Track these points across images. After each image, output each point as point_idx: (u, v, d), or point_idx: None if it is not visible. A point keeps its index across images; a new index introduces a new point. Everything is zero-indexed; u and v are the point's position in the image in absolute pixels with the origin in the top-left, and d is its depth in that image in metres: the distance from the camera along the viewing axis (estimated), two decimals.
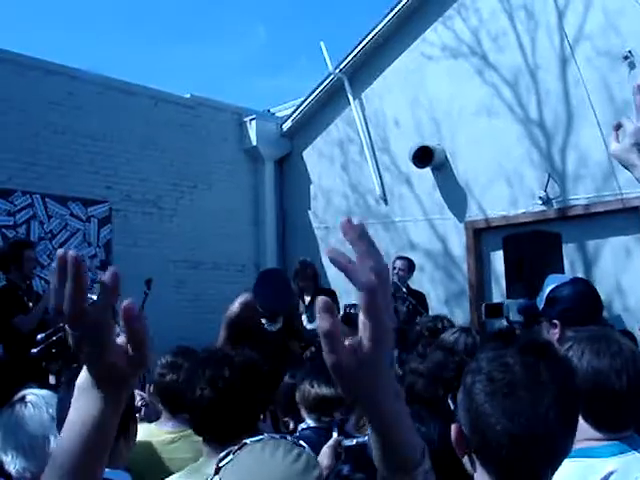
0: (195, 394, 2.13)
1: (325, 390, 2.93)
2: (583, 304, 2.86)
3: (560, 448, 1.41)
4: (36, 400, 2.44)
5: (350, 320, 3.41)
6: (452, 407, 2.19)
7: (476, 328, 3.66)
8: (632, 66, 7.85)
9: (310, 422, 2.93)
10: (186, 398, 2.22)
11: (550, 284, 2.97)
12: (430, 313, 7.54)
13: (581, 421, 1.96)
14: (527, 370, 1.38)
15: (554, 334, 2.85)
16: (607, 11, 8.06)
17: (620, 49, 7.91)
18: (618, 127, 2.13)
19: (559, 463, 1.42)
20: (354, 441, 2.46)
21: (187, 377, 2.22)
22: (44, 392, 2.50)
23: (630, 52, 7.82)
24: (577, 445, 1.87)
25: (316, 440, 2.63)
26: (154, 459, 2.95)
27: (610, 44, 8.02)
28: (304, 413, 2.99)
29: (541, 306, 2.97)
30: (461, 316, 8.89)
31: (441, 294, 9.25)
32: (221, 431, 2.16)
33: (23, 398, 2.48)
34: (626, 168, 1.95)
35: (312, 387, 2.95)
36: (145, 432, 3.04)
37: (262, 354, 5.40)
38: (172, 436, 3.00)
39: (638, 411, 2.00)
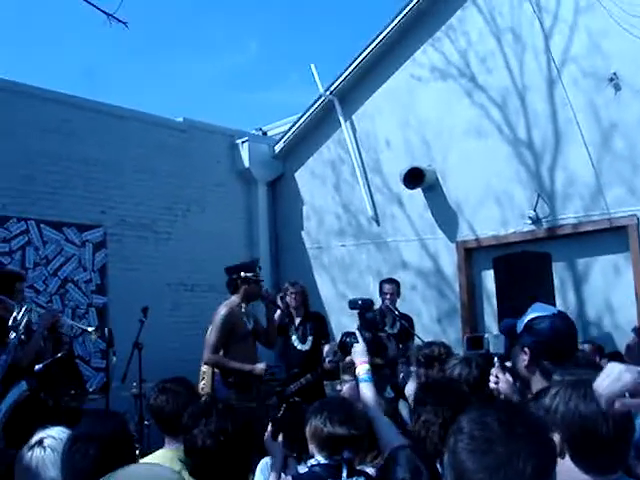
0: (197, 443, 2.20)
1: (339, 430, 2.91)
2: (557, 341, 2.97)
3: None
4: (55, 445, 2.47)
5: (345, 349, 3.50)
6: (440, 470, 2.28)
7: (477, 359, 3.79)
8: (617, 88, 7.98)
9: (320, 459, 2.92)
10: (185, 444, 2.30)
11: (533, 312, 3.07)
12: (420, 332, 7.65)
13: (570, 463, 2.04)
14: (503, 426, 1.51)
15: (522, 360, 2.98)
16: (591, 33, 8.21)
17: (605, 71, 8.05)
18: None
19: None
20: None
21: (188, 423, 2.30)
22: (62, 434, 2.52)
23: (615, 74, 7.95)
24: None
25: (326, 478, 2.71)
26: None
27: (595, 66, 8.16)
28: (313, 449, 2.97)
29: (519, 330, 3.08)
30: (453, 335, 8.98)
31: (433, 312, 9.34)
32: (219, 477, 2.26)
33: (41, 442, 2.51)
34: None
35: (325, 426, 2.93)
36: (159, 459, 3.18)
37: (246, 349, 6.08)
38: (180, 453, 3.16)
39: (626, 454, 2.06)
